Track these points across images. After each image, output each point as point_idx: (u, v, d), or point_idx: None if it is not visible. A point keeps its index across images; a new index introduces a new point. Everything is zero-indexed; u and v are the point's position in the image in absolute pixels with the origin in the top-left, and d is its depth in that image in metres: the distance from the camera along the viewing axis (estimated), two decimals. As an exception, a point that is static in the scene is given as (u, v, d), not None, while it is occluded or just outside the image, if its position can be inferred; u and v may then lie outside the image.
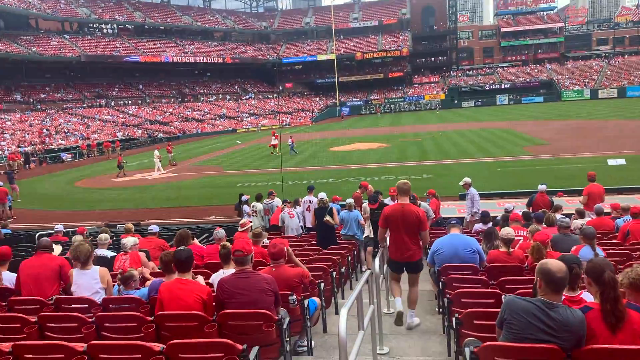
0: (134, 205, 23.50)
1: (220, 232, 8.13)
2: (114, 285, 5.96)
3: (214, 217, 19.34)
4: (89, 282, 5.67)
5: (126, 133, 58.90)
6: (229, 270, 5.43)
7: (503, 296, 5.15)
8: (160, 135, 60.93)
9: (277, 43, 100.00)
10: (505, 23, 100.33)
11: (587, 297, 3.93)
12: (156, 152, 34.40)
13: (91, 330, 4.48)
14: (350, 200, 11.50)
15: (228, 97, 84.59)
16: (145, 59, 75.03)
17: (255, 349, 3.91)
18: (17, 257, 9.32)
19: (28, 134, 50.89)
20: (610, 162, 22.27)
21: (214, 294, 4.87)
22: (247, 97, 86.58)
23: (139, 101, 73.96)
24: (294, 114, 79.91)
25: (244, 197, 15.99)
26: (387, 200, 11.13)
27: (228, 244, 6.00)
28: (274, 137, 38.07)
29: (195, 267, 7.25)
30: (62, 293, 6.04)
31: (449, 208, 17.60)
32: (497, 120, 53.64)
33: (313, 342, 5.81)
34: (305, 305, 5.50)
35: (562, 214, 10.65)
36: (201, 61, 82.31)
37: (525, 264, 6.70)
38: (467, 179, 13.95)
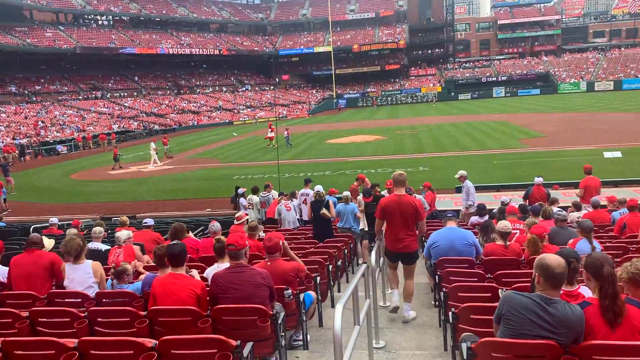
0: (129, 198, 23.40)
1: (215, 225, 8.06)
2: (107, 280, 5.90)
3: (209, 210, 19.28)
4: (82, 277, 5.61)
5: (122, 125, 58.65)
6: (223, 265, 5.38)
7: (500, 290, 5.11)
8: (156, 127, 60.72)
9: (273, 35, 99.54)
10: (502, 15, 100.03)
11: (585, 291, 3.90)
12: (152, 145, 34.29)
13: (83, 325, 4.42)
14: (346, 193, 11.46)
15: (224, 89, 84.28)
16: (141, 51, 74.58)
17: (249, 345, 3.87)
18: (11, 251, 9.27)
19: (23, 126, 50.60)
20: (607, 154, 22.26)
21: (208, 288, 4.81)
22: (244, 89, 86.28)
23: (135, 93, 73.59)
24: (291, 106, 79.72)
25: (241, 190, 15.93)
26: (384, 193, 11.09)
27: (222, 237, 5.95)
28: (270, 130, 37.98)
29: (190, 260, 7.22)
30: (55, 288, 5.96)
31: (445, 200, 17.60)
32: (493, 113, 53.62)
33: (309, 336, 5.77)
34: (301, 300, 5.45)
35: (558, 207, 10.65)
36: (197, 53, 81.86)
37: (522, 258, 6.67)
38: (462, 172, 13.94)
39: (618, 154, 22.26)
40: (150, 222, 9.97)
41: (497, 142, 32.15)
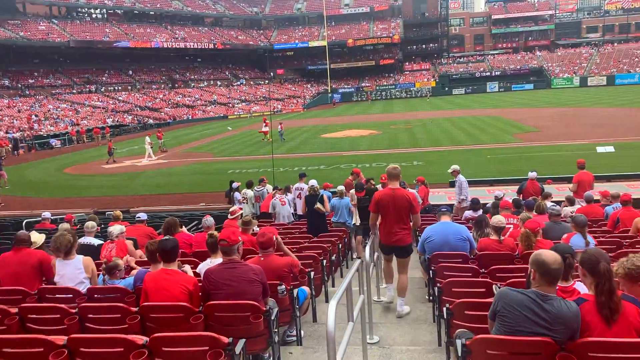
0: (123, 192, 23.29)
1: (208, 220, 8.01)
2: (98, 275, 5.84)
3: (204, 204, 19.19)
4: (72, 272, 5.55)
5: (116, 119, 58.33)
6: (216, 260, 5.33)
7: (494, 286, 5.10)
8: (151, 121, 60.44)
9: (268, 29, 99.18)
10: (496, 10, 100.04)
11: (580, 287, 3.88)
12: (147, 139, 34.12)
13: (74, 321, 4.37)
14: (341, 188, 11.43)
15: (219, 83, 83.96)
16: (135, 45, 74.09)
17: (241, 342, 3.83)
18: (4, 246, 9.20)
19: (16, 120, 50.25)
20: (599, 149, 22.31)
21: (201, 284, 4.77)
22: (238, 83, 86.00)
23: (129, 87, 73.20)
24: (286, 101, 79.54)
25: (235, 184, 15.85)
26: (379, 187, 11.06)
27: (215, 232, 5.90)
28: (264, 124, 37.89)
29: (183, 255, 7.17)
30: (46, 284, 5.88)
31: (439, 195, 17.60)
32: (487, 108, 53.68)
33: (302, 332, 5.75)
34: (295, 295, 5.42)
35: (551, 201, 10.66)
36: (192, 47, 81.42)
37: (516, 253, 6.65)
38: (455, 166, 13.92)
39: (611, 149, 22.33)
40: (143, 216, 9.89)
41: (490, 136, 32.18)
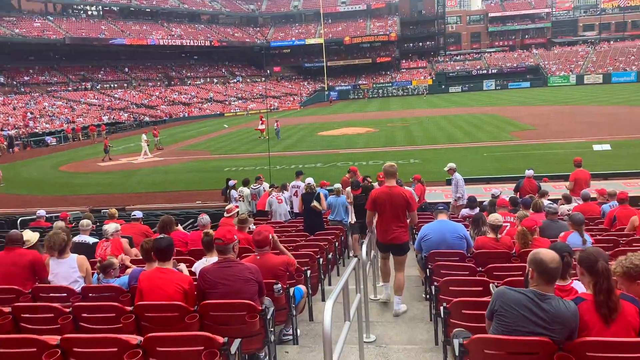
0: (119, 190, 23.23)
1: (204, 218, 7.97)
2: (93, 274, 5.79)
3: (200, 202, 19.15)
4: (66, 271, 5.49)
5: (112, 117, 58.15)
6: (211, 259, 5.29)
7: (491, 284, 5.07)
8: (147, 119, 60.26)
9: (265, 26, 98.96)
10: (493, 8, 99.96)
11: (578, 286, 3.86)
12: (144, 136, 34.04)
13: (68, 321, 4.33)
14: (337, 186, 11.40)
15: (215, 80, 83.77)
16: (131, 42, 73.76)
17: (236, 342, 3.79)
18: (-3, 244, 9.12)
19: (12, 117, 50.02)
20: (596, 147, 22.34)
21: (196, 283, 4.72)
22: (235, 80, 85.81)
23: (125, 84, 72.95)
24: (282, 98, 79.43)
25: (231, 182, 15.81)
26: (375, 185, 11.04)
27: (211, 231, 5.85)
28: (261, 122, 37.83)
29: (179, 254, 7.13)
30: (39, 284, 5.82)
31: (436, 193, 17.59)
32: (484, 106, 53.71)
33: (299, 331, 5.71)
34: (291, 294, 5.39)
35: (548, 199, 10.66)
36: (188, 44, 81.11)
37: (513, 251, 6.63)
38: (451, 164, 13.92)
39: (607, 147, 22.37)
40: (139, 214, 9.84)
41: (487, 134, 32.20)
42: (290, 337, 5.56)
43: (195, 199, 19.82)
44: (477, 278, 5.50)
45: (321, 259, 7.47)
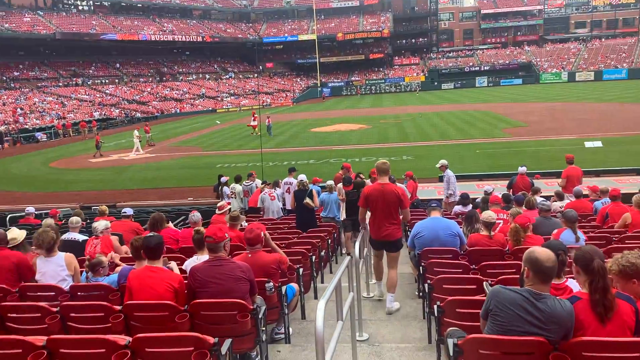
0: (110, 187, 23.07)
1: (195, 215, 7.88)
2: (81, 272, 5.70)
3: (192, 198, 19.03)
4: (54, 270, 5.39)
5: (103, 113, 57.73)
6: (202, 257, 5.22)
7: (485, 283, 5.03)
8: (138, 115, 59.92)
9: (257, 22, 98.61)
10: (486, 5, 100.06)
11: (573, 284, 3.82)
12: (136, 132, 33.80)
13: (55, 320, 4.24)
14: (330, 182, 11.35)
15: (207, 76, 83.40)
16: (123, 37, 73.17)
17: (227, 342, 3.72)
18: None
19: (1, 113, 49.53)
20: (587, 144, 22.42)
21: (187, 281, 4.65)
22: (227, 76, 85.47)
23: (116, 80, 72.47)
24: (275, 95, 79.19)
25: (224, 179, 15.71)
26: (368, 182, 10.98)
27: (202, 228, 5.78)
28: (253, 118, 37.69)
29: (169, 251, 7.05)
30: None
31: (429, 190, 17.58)
32: (476, 102, 53.84)
33: (291, 329, 5.66)
34: (283, 292, 5.32)
35: (540, 196, 10.66)
36: (180, 40, 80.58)
37: (507, 248, 6.61)
38: (443, 161, 13.90)
39: (599, 144, 22.45)
40: (129, 211, 9.73)
41: (480, 131, 32.24)
42: (282, 336, 5.51)
43: (187, 195, 19.70)
44: (471, 276, 5.46)
45: (314, 257, 7.41)
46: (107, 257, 5.90)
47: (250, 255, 5.34)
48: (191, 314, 4.20)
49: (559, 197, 11.21)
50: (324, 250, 8.83)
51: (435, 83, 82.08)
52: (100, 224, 7.38)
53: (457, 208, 11.28)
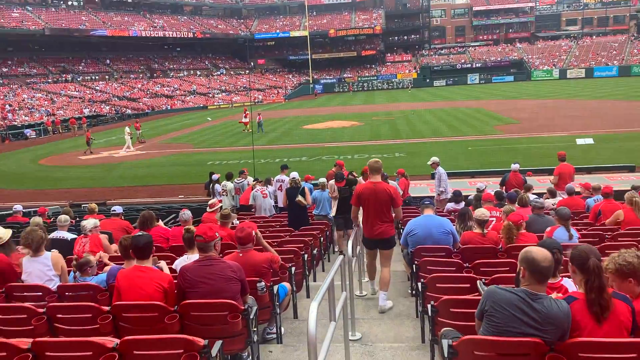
0: (100, 184, 22.87)
1: (186, 213, 7.78)
2: (69, 272, 5.59)
3: (182, 196, 18.90)
4: (40, 270, 5.27)
5: (93, 109, 57.32)
6: (193, 256, 5.14)
7: (478, 281, 4.99)
8: (129, 111, 59.54)
9: (249, 18, 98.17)
10: (478, 2, 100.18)
11: (568, 283, 3.78)
12: (127, 129, 33.57)
13: (42, 322, 4.15)
14: (322, 180, 11.27)
15: (198, 73, 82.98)
16: (113, 33, 72.58)
17: (218, 344, 3.65)
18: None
19: (-11, 110, 49.09)
20: (579, 141, 22.48)
21: (176, 281, 4.56)
22: (218, 73, 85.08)
23: (107, 76, 71.97)
24: (267, 91, 78.97)
25: (215, 176, 15.56)
26: (360, 180, 10.91)
27: (192, 227, 5.69)
28: (245, 115, 37.55)
29: (159, 250, 6.95)
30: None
31: (421, 187, 17.55)
32: (468, 99, 53.93)
33: (283, 329, 5.59)
34: (275, 292, 5.25)
35: (533, 194, 10.64)
36: (171, 36, 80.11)
37: (500, 246, 6.57)
38: (434, 158, 13.84)
39: (590, 141, 22.52)
40: (119, 209, 9.62)
41: (472, 128, 32.29)
42: (274, 336, 5.44)
43: (178, 193, 19.56)
44: (465, 275, 5.42)
45: (306, 255, 7.35)
46: (95, 257, 5.80)
47: (241, 255, 5.26)
48: (181, 314, 4.12)
49: (552, 194, 11.20)
50: (316, 249, 8.77)
51: (427, 80, 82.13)
52: (89, 223, 7.28)
53: (450, 205, 11.23)
